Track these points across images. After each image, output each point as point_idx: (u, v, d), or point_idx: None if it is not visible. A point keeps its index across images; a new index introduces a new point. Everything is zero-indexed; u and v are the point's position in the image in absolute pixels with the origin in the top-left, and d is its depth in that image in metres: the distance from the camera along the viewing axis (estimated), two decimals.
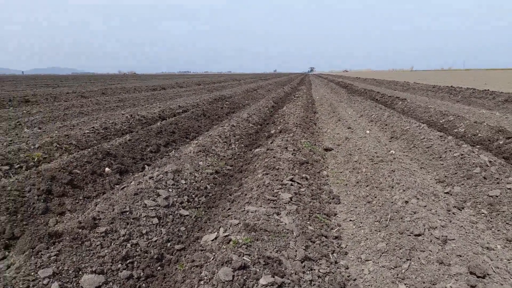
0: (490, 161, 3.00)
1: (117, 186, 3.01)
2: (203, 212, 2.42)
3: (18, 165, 3.33)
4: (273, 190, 2.39)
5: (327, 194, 2.74)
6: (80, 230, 1.82)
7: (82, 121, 5.83)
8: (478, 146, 4.25)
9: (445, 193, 2.81)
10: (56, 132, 4.90)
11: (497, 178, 2.70)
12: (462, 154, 3.35)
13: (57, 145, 3.96)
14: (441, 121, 5.85)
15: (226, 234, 1.80)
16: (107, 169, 3.23)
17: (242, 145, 4.49)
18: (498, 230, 2.15)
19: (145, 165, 3.59)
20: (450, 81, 22.15)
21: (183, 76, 78.25)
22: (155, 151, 4.10)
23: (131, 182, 2.66)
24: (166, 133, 4.75)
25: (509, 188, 2.51)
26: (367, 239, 2.03)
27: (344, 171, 3.37)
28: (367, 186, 2.82)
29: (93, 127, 4.83)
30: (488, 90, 10.91)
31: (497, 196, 2.48)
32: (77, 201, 2.66)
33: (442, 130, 5.35)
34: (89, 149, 3.46)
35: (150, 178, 2.58)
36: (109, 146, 3.65)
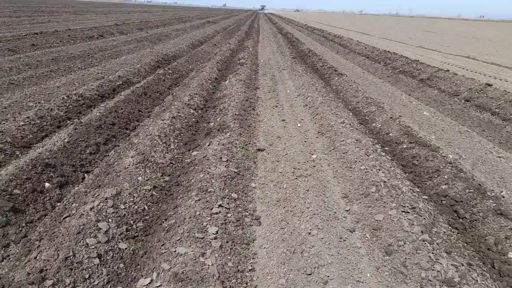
0: (384, 182, 3.67)
1: (58, 204, 3.25)
2: (140, 243, 2.81)
3: None
4: (202, 224, 2.82)
5: (250, 216, 3.25)
6: (30, 287, 2.15)
7: (14, 101, 5.61)
8: (387, 148, 4.98)
9: (345, 210, 3.45)
10: None
11: (384, 202, 3.38)
12: (366, 169, 4.00)
13: None
14: (364, 111, 6.52)
15: (158, 284, 2.24)
16: (47, 184, 3.42)
17: (181, 143, 4.77)
18: (373, 257, 2.82)
19: (85, 174, 3.80)
20: (393, 34, 23.10)
21: (123, 5, 71.66)
22: (95, 152, 4.26)
23: (73, 211, 2.92)
24: (106, 127, 4.85)
25: (390, 214, 3.19)
26: (273, 272, 2.60)
27: (269, 184, 3.88)
28: (284, 207, 3.37)
29: (28, 117, 4.77)
30: (418, 61, 11.78)
31: (380, 221, 3.16)
32: (20, 229, 2.89)
33: (363, 123, 6.03)
34: (27, 161, 3.55)
35: (91, 209, 2.87)
36: (48, 154, 3.75)
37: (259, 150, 4.77)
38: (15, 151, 4.07)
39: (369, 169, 3.98)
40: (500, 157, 4.74)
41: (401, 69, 10.95)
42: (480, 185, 3.75)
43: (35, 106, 5.44)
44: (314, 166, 4.29)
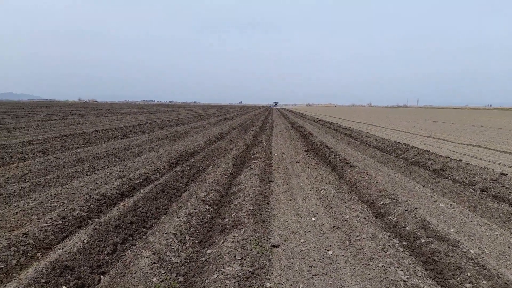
0: (404, 281, 3.55)
1: None
2: None
3: None
4: None
5: None
6: None
7: (40, 202, 5.90)
8: (404, 243, 4.88)
9: None
10: (13, 223, 5.00)
11: None
12: (384, 266, 3.89)
13: (15, 249, 4.11)
14: (379, 203, 6.51)
15: None
16: (64, 287, 3.44)
17: (196, 241, 4.81)
18: None
19: (101, 276, 3.82)
20: (402, 125, 23.86)
21: (147, 106, 77.59)
22: (112, 252, 4.33)
23: None
24: (124, 226, 4.99)
25: None
26: None
27: (285, 284, 3.78)
28: None
29: (51, 218, 4.98)
30: (429, 151, 12.00)
31: None
32: None
33: (378, 216, 5.99)
34: (47, 264, 3.64)
35: None
36: (67, 256, 3.84)
37: (273, 246, 4.74)
38: (36, 253, 4.20)
39: (387, 266, 3.87)
40: None
41: (413, 159, 11.12)
42: (507, 283, 3.57)
43: (59, 207, 5.70)
44: (331, 264, 4.20)
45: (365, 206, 6.44)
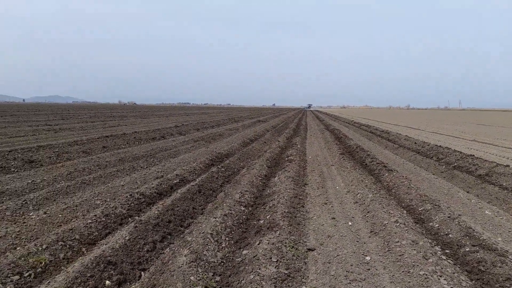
0: None
1: None
2: None
3: (28, 272, 3.70)
4: None
5: None
6: None
7: (84, 199, 6.21)
8: (447, 251, 4.65)
9: None
10: (60, 219, 5.30)
11: None
12: (426, 274, 3.74)
13: (62, 244, 4.35)
14: (419, 209, 6.27)
15: None
16: (107, 282, 3.59)
17: (232, 241, 4.87)
18: None
19: (142, 272, 3.96)
20: (443, 128, 22.72)
21: (182, 108, 79.50)
22: (152, 249, 4.47)
23: None
24: (163, 224, 5.14)
25: None
26: None
27: None
28: None
29: (95, 215, 5.23)
30: (473, 156, 11.39)
31: None
32: None
33: (418, 222, 5.76)
34: (92, 258, 3.82)
35: None
36: (110, 252, 4.02)
37: (309, 250, 4.69)
38: (82, 247, 4.42)
39: (429, 274, 3.71)
40: None
41: (455, 164, 10.60)
42: None
43: (102, 205, 5.97)
44: (369, 270, 4.09)
45: (405, 211, 6.22)
